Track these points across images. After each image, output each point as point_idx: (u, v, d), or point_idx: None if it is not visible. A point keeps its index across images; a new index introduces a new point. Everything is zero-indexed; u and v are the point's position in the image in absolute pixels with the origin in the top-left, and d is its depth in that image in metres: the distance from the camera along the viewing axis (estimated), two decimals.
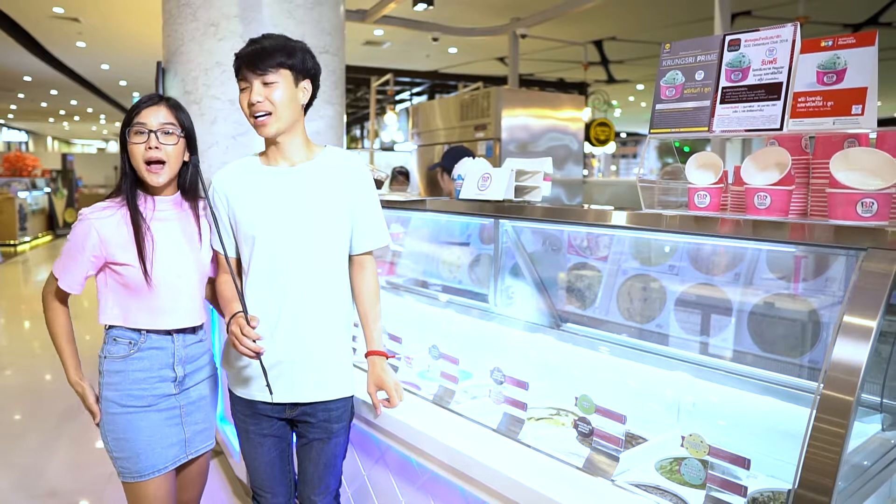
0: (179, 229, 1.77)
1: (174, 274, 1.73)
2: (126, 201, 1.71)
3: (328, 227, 1.72)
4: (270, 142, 1.72)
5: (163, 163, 1.69)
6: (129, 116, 1.70)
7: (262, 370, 1.64)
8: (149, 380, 1.74)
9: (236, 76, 1.69)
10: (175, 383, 1.77)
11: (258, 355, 1.60)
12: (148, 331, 1.73)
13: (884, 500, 1.28)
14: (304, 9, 3.54)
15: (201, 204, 1.82)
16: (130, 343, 1.73)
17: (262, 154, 1.78)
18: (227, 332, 1.66)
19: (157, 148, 1.67)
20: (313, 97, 1.76)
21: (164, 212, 1.76)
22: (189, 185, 1.80)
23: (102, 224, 1.69)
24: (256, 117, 1.65)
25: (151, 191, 1.75)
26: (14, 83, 14.36)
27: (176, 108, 1.74)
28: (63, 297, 1.78)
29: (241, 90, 1.68)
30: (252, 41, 1.68)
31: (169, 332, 1.75)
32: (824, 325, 1.63)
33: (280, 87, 1.64)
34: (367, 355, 1.79)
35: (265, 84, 1.63)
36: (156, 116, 1.69)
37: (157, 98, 1.73)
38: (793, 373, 1.64)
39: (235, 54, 1.68)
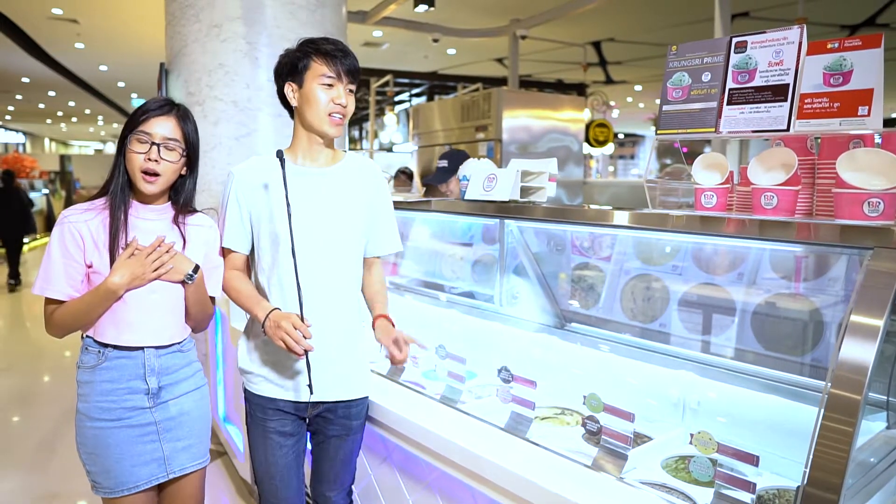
0: (170, 235, 1.67)
1: (147, 288, 1.62)
2: (110, 205, 1.62)
3: (350, 229, 1.75)
4: (311, 141, 1.72)
5: (158, 175, 1.62)
6: (135, 120, 1.61)
7: (306, 367, 1.61)
8: (117, 391, 1.62)
9: (304, 65, 1.67)
10: (148, 396, 1.65)
11: (305, 353, 1.58)
12: (115, 346, 1.62)
13: (890, 496, 1.30)
14: (307, 10, 3.55)
15: (191, 219, 1.73)
16: (99, 353, 1.63)
17: (288, 151, 1.76)
18: (269, 328, 1.60)
19: (156, 161, 1.60)
20: None
21: (146, 221, 1.66)
22: (184, 198, 1.72)
23: (82, 226, 1.60)
24: (333, 115, 1.68)
25: (139, 197, 1.67)
26: (12, 84, 14.32)
27: (184, 119, 1.67)
28: None
29: (324, 84, 1.66)
30: (334, 42, 1.69)
31: (136, 347, 1.64)
32: (828, 324, 1.64)
33: (352, 100, 1.72)
34: (377, 318, 1.79)
35: (350, 91, 1.70)
36: (162, 128, 1.62)
37: (167, 107, 1.64)
38: (796, 371, 1.66)
39: (316, 48, 1.67)
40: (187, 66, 3.52)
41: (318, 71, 1.66)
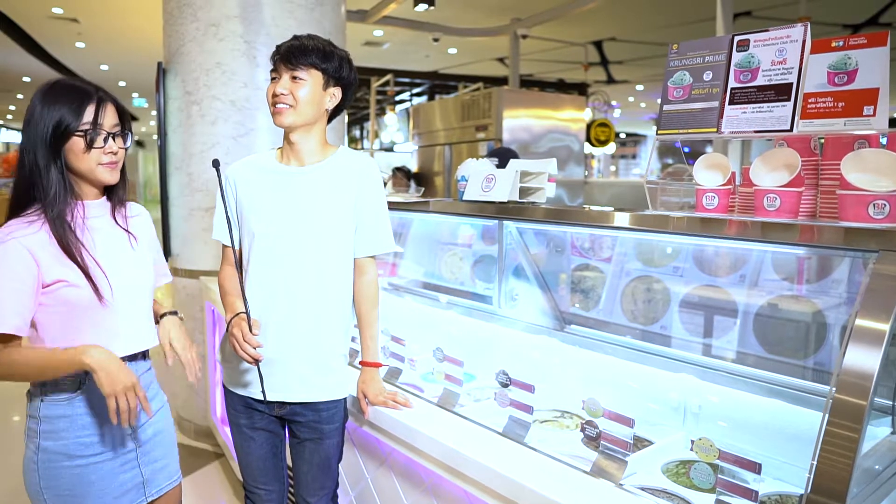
0: (115, 236, 1.55)
1: (128, 287, 1.52)
2: (54, 213, 1.42)
3: (328, 228, 1.72)
4: (286, 139, 1.74)
5: (116, 163, 1.51)
6: (73, 116, 1.42)
7: (258, 374, 1.66)
8: (99, 422, 1.49)
9: (271, 68, 1.71)
10: None
11: (256, 362, 1.62)
12: None
13: None
14: (305, 9, 3.53)
15: (126, 210, 1.61)
16: (74, 381, 1.45)
17: (278, 150, 1.80)
18: (228, 331, 1.66)
19: (114, 153, 1.48)
20: (342, 107, 1.78)
21: (97, 218, 1.53)
22: (118, 187, 1.57)
23: (32, 241, 1.39)
24: (275, 106, 1.67)
25: (81, 195, 1.50)
26: (13, 84, 14.33)
27: (116, 101, 1.52)
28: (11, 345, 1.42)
29: (271, 80, 1.69)
30: (295, 37, 1.70)
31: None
32: (830, 327, 1.61)
33: (307, 86, 1.66)
34: (360, 363, 1.84)
35: (293, 79, 1.66)
36: (107, 117, 1.47)
37: (102, 93, 1.48)
38: (798, 375, 1.63)
39: (277, 46, 1.70)
40: (185, 65, 3.50)
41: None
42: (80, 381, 1.47)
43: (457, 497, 1.60)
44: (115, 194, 1.58)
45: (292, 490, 1.97)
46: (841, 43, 1.25)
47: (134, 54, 10.65)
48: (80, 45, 10.34)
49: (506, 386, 1.67)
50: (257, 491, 1.83)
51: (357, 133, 19.49)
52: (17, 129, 24.78)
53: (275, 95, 1.66)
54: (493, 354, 2.23)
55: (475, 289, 2.63)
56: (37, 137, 1.42)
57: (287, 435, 1.86)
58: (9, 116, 21.28)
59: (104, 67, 12.35)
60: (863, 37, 1.22)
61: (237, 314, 1.64)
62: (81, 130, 1.43)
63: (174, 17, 3.54)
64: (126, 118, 1.54)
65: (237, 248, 1.77)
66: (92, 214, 1.52)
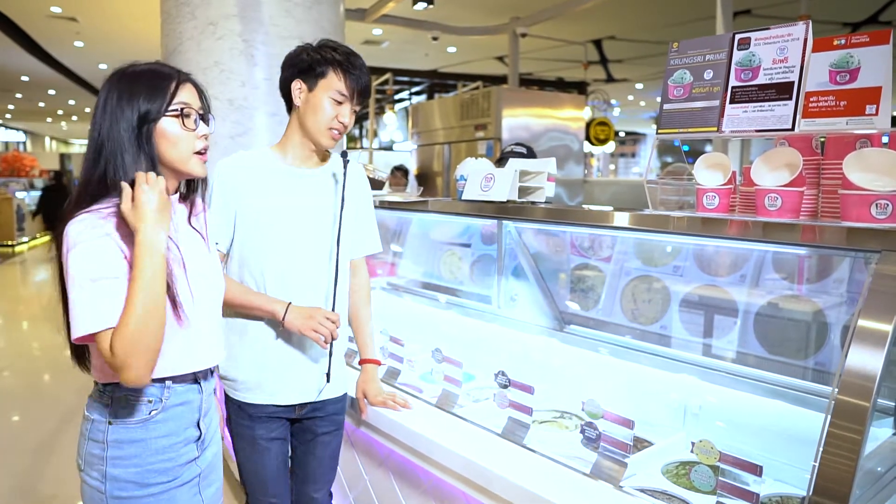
0: (192, 239, 1.38)
1: (206, 298, 1.35)
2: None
3: (335, 229, 1.72)
4: (307, 146, 1.71)
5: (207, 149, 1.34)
6: (160, 97, 1.25)
7: (328, 353, 1.70)
8: (175, 446, 1.32)
9: (320, 72, 1.62)
10: (198, 444, 1.37)
11: (331, 339, 1.66)
12: (174, 380, 1.31)
13: None
14: (304, 8, 3.51)
15: (200, 204, 1.45)
16: (150, 402, 1.29)
17: (278, 146, 1.74)
18: (295, 321, 1.62)
19: (206, 136, 1.32)
20: None
21: (178, 214, 1.37)
22: (194, 186, 1.41)
23: (121, 237, 1.22)
24: (332, 130, 1.67)
25: (167, 189, 1.30)
26: (12, 83, 14.30)
27: (195, 81, 1.36)
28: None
29: (335, 99, 1.64)
30: (356, 56, 1.67)
31: (196, 380, 1.36)
32: (832, 327, 1.60)
33: (353, 118, 1.72)
34: (360, 362, 1.89)
35: (354, 111, 1.70)
36: (194, 97, 1.31)
37: (182, 73, 1.33)
38: (799, 375, 1.63)
39: (338, 60, 1.63)
40: (182, 64, 3.48)
41: (333, 85, 1.63)
42: (154, 402, 1.31)
43: (456, 499, 1.59)
44: (189, 193, 1.40)
45: None
46: (843, 41, 1.24)
47: (133, 53, 10.54)
48: (78, 44, 10.32)
49: (505, 387, 1.67)
50: (270, 501, 1.77)
51: (356, 132, 19.47)
52: (17, 129, 24.75)
53: (340, 122, 1.66)
54: (492, 355, 2.22)
55: (474, 289, 2.62)
56: (119, 130, 1.24)
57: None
58: (7, 115, 21.23)
59: (103, 66, 12.33)
60: (865, 35, 1.21)
61: (289, 304, 1.65)
62: (174, 109, 1.26)
63: (172, 17, 3.53)
64: (206, 100, 1.36)
65: (223, 250, 1.72)
66: (175, 210, 1.35)
